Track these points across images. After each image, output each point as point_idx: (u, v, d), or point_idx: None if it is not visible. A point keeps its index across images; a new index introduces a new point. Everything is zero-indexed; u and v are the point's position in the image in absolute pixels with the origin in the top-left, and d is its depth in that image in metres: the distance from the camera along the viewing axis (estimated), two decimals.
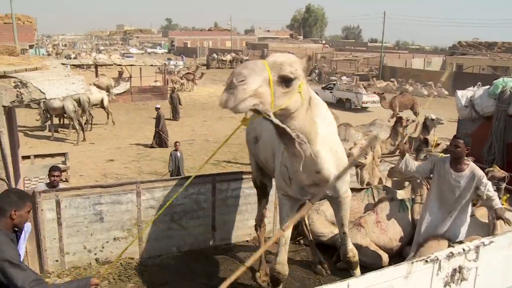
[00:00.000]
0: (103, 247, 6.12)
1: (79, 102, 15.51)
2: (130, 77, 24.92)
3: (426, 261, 3.57)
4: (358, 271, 4.96)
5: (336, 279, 5.33)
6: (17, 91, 5.18)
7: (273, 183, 5.63)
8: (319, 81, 36.59)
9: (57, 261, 5.90)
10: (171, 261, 6.32)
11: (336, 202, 4.75)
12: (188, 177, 7.23)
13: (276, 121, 3.27)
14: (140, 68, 25.82)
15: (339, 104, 24.87)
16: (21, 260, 3.25)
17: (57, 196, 5.78)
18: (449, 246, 3.91)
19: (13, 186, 5.40)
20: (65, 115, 15.76)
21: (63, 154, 11.26)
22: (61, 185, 6.38)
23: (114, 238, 6.15)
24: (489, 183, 4.83)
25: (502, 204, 5.15)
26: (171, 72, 32.72)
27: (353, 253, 4.94)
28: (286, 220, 4.59)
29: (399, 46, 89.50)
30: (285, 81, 3.19)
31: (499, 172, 6.07)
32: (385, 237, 6.10)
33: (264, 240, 6.01)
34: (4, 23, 27.08)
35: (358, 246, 5.43)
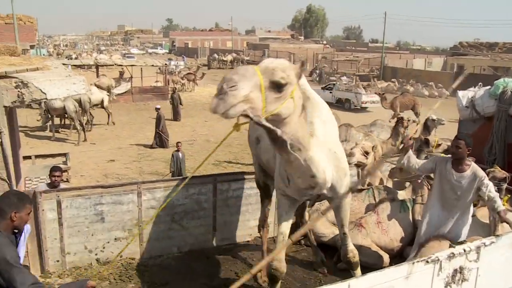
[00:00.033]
0: (104, 247, 6.12)
1: (80, 102, 15.54)
2: (131, 77, 24.94)
3: (427, 262, 3.57)
4: (358, 271, 4.96)
5: (336, 279, 5.32)
6: (18, 91, 5.19)
7: None
8: (320, 81, 36.59)
9: (58, 261, 5.91)
10: (172, 261, 6.32)
11: (336, 203, 4.75)
12: (191, 178, 7.23)
13: (268, 125, 3.26)
14: (141, 68, 25.86)
15: (339, 104, 24.88)
16: (21, 261, 3.26)
17: (58, 196, 5.78)
18: (450, 246, 3.91)
19: (14, 186, 5.41)
20: (66, 116, 15.78)
21: (64, 155, 11.29)
22: (62, 185, 6.39)
23: (115, 239, 6.15)
24: (491, 184, 4.82)
25: (503, 205, 5.14)
26: (172, 73, 32.75)
27: (353, 253, 4.94)
28: (284, 218, 4.59)
29: (400, 46, 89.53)
30: (277, 86, 3.18)
31: (500, 172, 6.06)
32: (386, 237, 6.10)
33: (267, 240, 6.01)
34: (5, 23, 27.09)
35: (358, 247, 5.43)
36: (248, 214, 6.91)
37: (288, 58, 47.78)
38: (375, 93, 24.93)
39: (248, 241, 6.98)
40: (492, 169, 6.14)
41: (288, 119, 3.38)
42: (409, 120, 10.94)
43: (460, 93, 8.02)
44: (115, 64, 26.37)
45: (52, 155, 11.38)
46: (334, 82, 29.34)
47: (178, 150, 10.54)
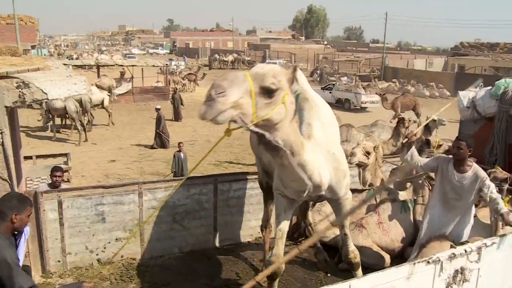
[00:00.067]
0: (105, 248, 6.12)
1: (80, 102, 15.55)
2: (132, 77, 24.95)
3: (428, 262, 3.57)
4: (360, 272, 4.96)
5: (337, 280, 5.32)
6: (19, 91, 5.19)
7: None
8: (321, 81, 36.60)
9: (59, 261, 5.91)
10: (173, 261, 6.32)
11: (336, 204, 4.75)
12: (190, 178, 7.23)
13: (256, 130, 3.26)
14: (142, 68, 25.88)
15: (339, 105, 24.88)
16: (21, 263, 3.28)
17: (59, 196, 5.78)
18: (451, 247, 3.91)
19: (15, 187, 5.41)
20: (67, 116, 15.80)
21: (65, 155, 11.29)
22: (63, 186, 6.40)
23: (116, 239, 6.15)
24: (492, 185, 4.81)
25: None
26: (173, 73, 32.76)
27: (354, 254, 4.94)
28: (283, 216, 4.59)
29: (401, 47, 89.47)
30: (268, 92, 3.18)
31: (501, 173, 6.06)
32: (387, 238, 6.09)
33: (269, 241, 6.01)
34: (7, 24, 27.15)
35: (359, 247, 5.43)
36: (249, 215, 6.91)
37: (289, 58, 47.85)
38: (376, 94, 24.92)
39: (249, 242, 6.98)
40: (493, 170, 6.13)
41: (279, 124, 3.38)
42: (410, 121, 10.94)
43: (461, 93, 8.01)
44: (116, 64, 26.39)
45: (53, 155, 11.39)
46: (334, 82, 29.35)
47: (180, 151, 10.54)
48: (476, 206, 5.47)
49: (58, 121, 16.93)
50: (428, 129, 10.99)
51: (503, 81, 7.43)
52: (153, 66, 26.74)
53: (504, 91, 7.20)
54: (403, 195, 6.58)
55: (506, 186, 5.90)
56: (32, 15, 31.32)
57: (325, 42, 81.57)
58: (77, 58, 40.13)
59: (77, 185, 9.54)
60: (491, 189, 4.73)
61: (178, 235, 6.50)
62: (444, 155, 5.65)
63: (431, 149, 8.77)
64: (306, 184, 3.98)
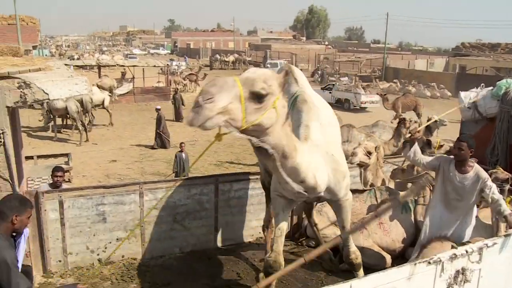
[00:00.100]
0: (106, 248, 6.13)
1: (81, 102, 15.57)
2: (133, 78, 24.98)
3: (429, 263, 3.57)
4: (361, 272, 4.96)
5: (338, 280, 5.31)
6: (21, 91, 5.19)
7: None
8: (322, 82, 36.60)
9: (60, 261, 5.92)
10: (173, 261, 6.33)
11: (336, 205, 4.75)
12: (191, 178, 7.24)
13: (241, 135, 3.25)
14: (143, 69, 25.90)
15: (338, 105, 24.90)
16: (20, 264, 3.31)
17: (60, 196, 5.79)
18: (452, 247, 3.91)
19: (17, 187, 5.42)
20: (68, 116, 15.82)
21: (66, 155, 11.31)
22: (64, 186, 6.41)
23: (117, 239, 6.16)
24: (494, 186, 4.80)
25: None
26: (174, 73, 32.78)
27: (355, 255, 4.94)
28: (281, 216, 4.60)
29: (402, 47, 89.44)
30: (257, 97, 3.18)
31: (502, 173, 6.04)
32: (387, 238, 6.09)
33: (271, 241, 6.01)
34: (8, 24, 27.18)
35: (360, 248, 5.43)
36: (250, 215, 6.91)
37: (290, 58, 47.84)
38: (377, 94, 24.92)
39: (250, 242, 6.98)
40: (494, 170, 6.11)
41: (270, 128, 3.38)
42: (411, 121, 10.93)
43: (462, 93, 8.00)
44: (117, 64, 26.44)
45: (54, 155, 11.42)
46: (334, 83, 29.38)
47: (181, 151, 10.54)
48: (477, 206, 5.47)
49: (59, 121, 16.97)
50: (429, 129, 10.97)
51: (505, 82, 7.41)
52: (154, 66, 26.78)
53: (505, 92, 7.19)
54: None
55: (507, 187, 5.89)
56: (33, 15, 31.38)
57: (326, 43, 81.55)
58: (78, 59, 40.18)
59: (78, 185, 9.55)
60: (493, 190, 4.73)
61: (179, 235, 6.50)
62: (445, 155, 5.64)
63: (432, 150, 8.75)
64: (300, 185, 3.98)
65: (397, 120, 12.14)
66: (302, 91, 4.76)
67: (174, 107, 20.13)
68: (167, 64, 28.58)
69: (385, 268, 4.50)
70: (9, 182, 5.21)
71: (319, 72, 40.65)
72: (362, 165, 6.97)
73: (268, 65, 40.35)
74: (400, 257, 5.99)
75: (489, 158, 7.32)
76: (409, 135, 5.23)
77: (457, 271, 3.75)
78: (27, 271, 5.61)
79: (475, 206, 5.10)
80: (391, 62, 44.84)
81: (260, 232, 6.98)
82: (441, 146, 9.00)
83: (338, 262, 5.99)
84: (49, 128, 16.80)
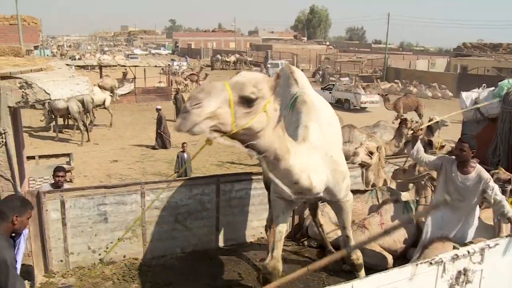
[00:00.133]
0: (107, 248, 6.13)
1: (82, 102, 15.58)
2: (134, 78, 25.00)
3: (431, 263, 3.56)
4: (362, 273, 4.95)
5: (340, 280, 5.31)
6: (23, 91, 5.20)
7: None
8: (323, 82, 36.57)
9: (61, 261, 5.92)
10: (175, 261, 6.33)
11: (336, 206, 4.75)
12: (193, 178, 7.24)
13: (222, 141, 3.23)
14: (144, 69, 25.90)
15: (338, 105, 24.89)
16: (19, 264, 3.33)
17: (62, 196, 5.80)
18: (454, 248, 3.90)
19: (18, 187, 5.43)
20: (70, 116, 15.83)
21: (68, 155, 11.30)
22: (66, 186, 6.41)
23: (118, 239, 6.17)
24: (496, 187, 4.79)
25: None
26: (175, 73, 32.79)
27: (356, 255, 4.93)
28: (281, 218, 4.60)
29: (403, 47, 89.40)
30: (247, 101, 3.17)
31: (504, 174, 6.03)
32: (389, 238, 6.08)
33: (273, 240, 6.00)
34: (10, 24, 27.23)
35: (362, 248, 5.42)
36: (251, 215, 6.91)
37: (291, 59, 47.83)
38: (378, 94, 24.90)
39: (251, 242, 6.98)
40: (496, 171, 6.11)
41: (262, 132, 3.37)
42: (412, 121, 10.91)
43: (464, 94, 8.00)
44: (119, 64, 26.46)
45: (56, 155, 11.42)
46: (334, 83, 29.39)
47: (183, 151, 10.52)
48: (479, 207, 5.46)
49: (60, 121, 16.97)
50: (430, 129, 10.97)
51: (506, 82, 7.41)
52: (155, 66, 26.79)
53: (507, 92, 7.18)
54: (405, 196, 6.58)
55: (509, 187, 5.88)
56: (35, 15, 31.45)
57: (327, 43, 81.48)
58: (79, 59, 40.20)
59: (80, 185, 9.56)
60: (495, 191, 4.71)
61: (180, 235, 6.50)
62: (447, 155, 5.63)
63: (433, 150, 8.75)
64: (295, 186, 3.98)
65: (399, 120, 12.13)
66: (302, 92, 4.76)
67: (176, 107, 20.10)
68: (168, 64, 28.61)
69: (386, 269, 4.49)
70: (11, 182, 5.21)
71: (320, 72, 40.63)
72: (364, 165, 6.97)
73: (269, 65, 40.38)
74: (402, 258, 5.99)
75: (491, 159, 7.31)
76: (412, 132, 5.22)
77: (459, 272, 3.74)
78: (28, 271, 5.65)
79: (478, 207, 5.08)
80: (392, 63, 44.80)
81: (261, 232, 6.99)
82: (443, 146, 9.00)
83: (341, 263, 5.99)
84: (50, 128, 16.82)
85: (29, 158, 9.42)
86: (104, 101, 17.77)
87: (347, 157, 7.11)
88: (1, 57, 7.11)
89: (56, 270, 5.87)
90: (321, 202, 6.36)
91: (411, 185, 6.66)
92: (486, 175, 4.80)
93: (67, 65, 11.09)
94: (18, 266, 3.62)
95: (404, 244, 6.13)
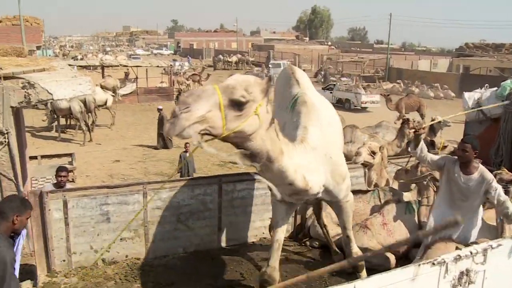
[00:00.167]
0: (109, 248, 6.14)
1: (84, 102, 15.60)
2: (136, 78, 25.04)
3: (433, 264, 3.56)
4: (364, 274, 4.95)
5: (342, 281, 5.31)
6: (25, 92, 5.22)
7: None
8: (325, 82, 36.52)
9: (64, 260, 5.93)
10: (177, 261, 6.33)
11: (336, 206, 4.74)
12: (195, 178, 7.25)
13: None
14: (146, 69, 25.94)
15: (339, 105, 24.88)
16: (18, 264, 3.38)
17: (64, 196, 5.80)
18: (456, 248, 3.89)
19: (21, 186, 5.44)
20: (72, 116, 15.86)
21: (70, 155, 11.32)
22: (68, 186, 6.42)
23: (121, 239, 6.17)
24: (499, 187, 4.76)
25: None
26: (177, 73, 32.82)
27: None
28: (280, 224, 4.63)
29: (405, 47, 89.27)
30: (237, 104, 3.18)
31: (507, 174, 6.03)
32: (391, 239, 6.07)
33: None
34: (12, 25, 27.33)
35: (364, 248, 5.41)
36: (253, 215, 6.91)
37: (293, 59, 47.82)
38: (380, 94, 24.89)
39: (253, 242, 6.98)
40: (499, 171, 6.10)
41: (254, 134, 3.38)
42: (414, 122, 10.88)
43: (466, 94, 8.00)
44: (121, 65, 26.51)
45: (58, 155, 11.44)
46: (335, 83, 29.39)
47: (186, 151, 10.53)
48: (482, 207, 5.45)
49: (62, 121, 17.01)
50: (432, 130, 10.96)
51: (509, 82, 7.41)
52: (157, 66, 26.83)
53: (510, 92, 7.18)
54: (407, 196, 6.57)
55: None
56: (37, 16, 31.51)
57: (329, 43, 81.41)
58: (81, 59, 40.25)
59: (82, 185, 9.57)
60: (499, 192, 4.69)
61: (183, 235, 6.50)
62: (450, 155, 5.62)
63: (435, 151, 8.74)
64: (290, 188, 3.98)
65: (401, 120, 12.11)
66: (302, 93, 4.76)
67: None
68: (170, 65, 28.61)
69: (389, 269, 4.49)
70: (14, 181, 5.24)
71: (322, 72, 40.61)
72: (367, 165, 6.95)
73: (270, 66, 40.39)
74: (404, 258, 5.98)
75: (493, 159, 7.31)
76: (413, 130, 5.20)
77: (461, 273, 3.73)
78: (31, 271, 5.67)
79: (482, 207, 5.06)
80: (394, 63, 44.74)
81: (263, 233, 6.99)
82: (445, 147, 8.99)
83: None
84: (53, 128, 16.85)
85: (31, 158, 9.44)
86: (106, 101, 17.79)
87: (349, 157, 7.12)
88: (4, 57, 7.14)
89: (58, 269, 5.88)
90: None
91: (413, 185, 6.65)
92: (489, 175, 4.78)
93: (69, 65, 11.12)
94: (17, 265, 3.64)
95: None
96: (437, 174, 5.77)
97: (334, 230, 6.41)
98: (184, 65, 44.72)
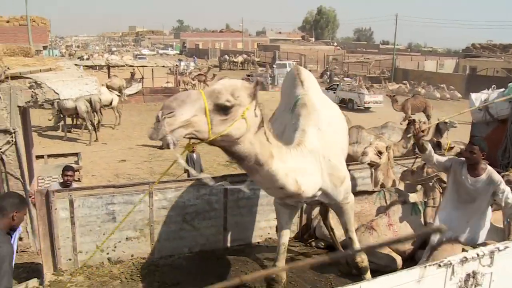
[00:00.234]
0: (115, 247, 6.16)
1: (90, 102, 15.65)
2: (142, 78, 25.08)
3: (439, 266, 3.54)
4: (368, 275, 4.93)
5: (348, 282, 5.29)
6: (32, 91, 5.26)
7: None
8: (331, 83, 36.48)
9: (70, 259, 5.96)
10: (182, 261, 6.34)
11: (336, 208, 4.73)
12: (199, 179, 7.24)
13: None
14: (152, 69, 25.98)
15: (342, 105, 24.79)
16: (13, 260, 3.43)
17: (71, 195, 5.83)
18: (463, 250, 3.87)
19: (27, 185, 5.48)
20: (78, 116, 15.92)
21: (76, 154, 11.38)
22: (74, 185, 6.45)
23: (127, 238, 6.19)
24: (508, 189, 4.71)
25: None
26: (183, 73, 32.87)
27: (361, 258, 4.90)
28: (285, 228, 4.67)
29: (412, 48, 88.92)
30: (223, 109, 3.19)
31: None
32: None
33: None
34: (19, 25, 27.47)
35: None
36: (259, 215, 6.91)
37: (298, 59, 47.77)
38: (386, 95, 24.82)
39: (259, 242, 6.98)
40: (506, 173, 6.06)
41: (241, 138, 3.39)
42: (420, 122, 10.83)
43: (473, 95, 7.95)
44: (127, 65, 26.54)
45: (64, 155, 11.50)
46: (338, 83, 29.34)
47: (193, 151, 10.51)
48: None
49: (69, 121, 17.07)
50: (439, 131, 10.90)
51: None
52: (163, 66, 26.87)
53: None
54: (413, 197, 6.54)
55: None
56: (44, 16, 31.67)
57: (335, 44, 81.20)
58: (88, 59, 40.40)
59: (88, 184, 9.61)
60: (507, 194, 4.65)
61: (188, 235, 6.51)
62: (456, 157, 5.59)
63: (442, 152, 8.70)
64: (281, 191, 3.98)
65: (407, 121, 12.06)
66: (304, 94, 4.74)
67: None
68: (176, 65, 28.65)
69: (396, 270, 4.47)
70: (21, 180, 5.28)
71: (328, 73, 40.52)
72: (373, 165, 6.93)
73: (275, 66, 40.37)
74: (410, 259, 5.96)
75: (501, 161, 7.26)
76: (410, 135, 5.18)
77: (468, 275, 3.70)
78: (37, 269, 5.70)
79: (490, 208, 5.02)
80: (401, 63, 44.56)
81: (269, 233, 6.99)
82: (452, 148, 8.94)
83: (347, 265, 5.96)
84: (59, 127, 16.92)
85: (38, 157, 9.49)
86: (112, 101, 17.84)
87: (355, 158, 7.10)
88: (11, 57, 7.18)
89: (64, 268, 5.91)
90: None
91: (419, 186, 6.63)
92: (497, 177, 4.74)
93: (75, 65, 11.18)
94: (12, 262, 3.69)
95: (412, 245, 6.10)
96: (443, 175, 5.73)
97: (339, 231, 6.39)
98: (190, 65, 44.79)
